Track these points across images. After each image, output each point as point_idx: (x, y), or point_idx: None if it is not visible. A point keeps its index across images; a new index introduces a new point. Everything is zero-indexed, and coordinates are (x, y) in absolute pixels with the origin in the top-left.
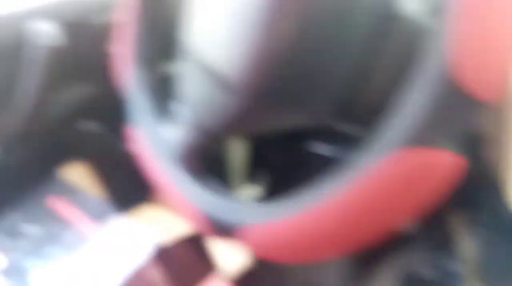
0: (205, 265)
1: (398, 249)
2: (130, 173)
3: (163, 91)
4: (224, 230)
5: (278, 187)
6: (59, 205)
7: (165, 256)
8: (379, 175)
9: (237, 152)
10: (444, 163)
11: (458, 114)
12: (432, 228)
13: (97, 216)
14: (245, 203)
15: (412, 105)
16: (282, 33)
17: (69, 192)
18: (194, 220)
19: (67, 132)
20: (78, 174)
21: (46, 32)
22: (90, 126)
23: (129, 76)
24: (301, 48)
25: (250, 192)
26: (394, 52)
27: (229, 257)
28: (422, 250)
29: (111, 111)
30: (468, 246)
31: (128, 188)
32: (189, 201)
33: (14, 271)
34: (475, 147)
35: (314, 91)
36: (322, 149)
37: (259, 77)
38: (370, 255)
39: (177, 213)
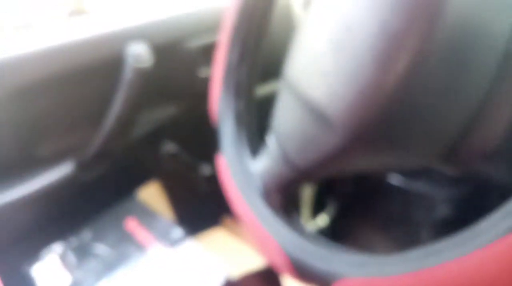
0: None
1: None
2: (204, 196)
3: (253, 120)
4: (313, 278)
5: (346, 216)
6: (134, 227)
7: None
8: None
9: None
10: None
11: None
12: None
13: (170, 241)
14: (340, 252)
15: None
16: (394, 70)
17: (145, 215)
18: (274, 259)
19: (147, 152)
20: (153, 194)
21: (136, 53)
22: (170, 148)
23: (218, 101)
24: (415, 87)
25: (318, 221)
26: None
27: None
28: None
29: (191, 134)
30: None
31: (201, 211)
32: (272, 240)
33: None
34: None
35: (423, 134)
36: (394, 179)
37: (362, 115)
38: None
39: (257, 248)
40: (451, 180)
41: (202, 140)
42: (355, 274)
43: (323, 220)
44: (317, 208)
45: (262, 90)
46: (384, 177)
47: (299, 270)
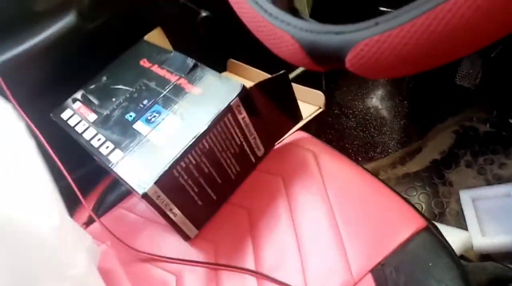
0: (290, 111)
1: (457, 105)
2: (206, 40)
3: None
4: (327, 57)
5: None
6: (150, 65)
7: (251, 97)
8: None
9: None
10: None
11: None
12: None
13: (185, 71)
14: (349, 25)
15: None
16: None
17: (157, 53)
18: (287, 53)
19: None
20: (157, 40)
21: None
22: None
23: None
24: None
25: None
26: None
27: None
28: (480, 107)
29: None
30: None
31: (205, 56)
32: (283, 34)
33: (104, 121)
34: None
35: None
36: None
37: None
38: (431, 111)
39: (270, 48)
40: None
41: None
42: (369, 34)
43: None
44: None
45: None
46: None
47: (313, 55)
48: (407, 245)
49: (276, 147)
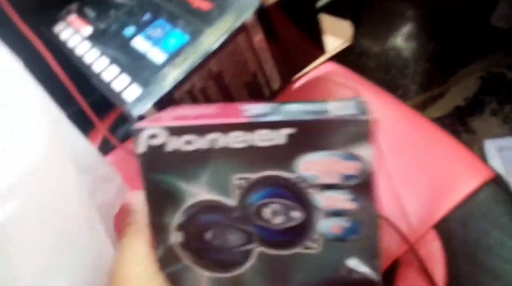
0: (313, 39)
1: (486, 49)
2: None
3: None
4: None
5: None
6: None
7: (269, 16)
8: None
9: None
10: None
11: None
12: None
13: None
14: None
15: None
16: None
17: None
18: None
19: None
20: None
21: None
22: None
23: None
24: None
25: None
26: None
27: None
28: (506, 53)
29: None
30: None
31: None
32: None
33: (100, 35)
34: None
35: None
36: None
37: None
38: (457, 54)
39: None
40: None
41: None
42: None
43: None
44: None
45: None
46: None
47: None
48: (475, 197)
49: (304, 80)
